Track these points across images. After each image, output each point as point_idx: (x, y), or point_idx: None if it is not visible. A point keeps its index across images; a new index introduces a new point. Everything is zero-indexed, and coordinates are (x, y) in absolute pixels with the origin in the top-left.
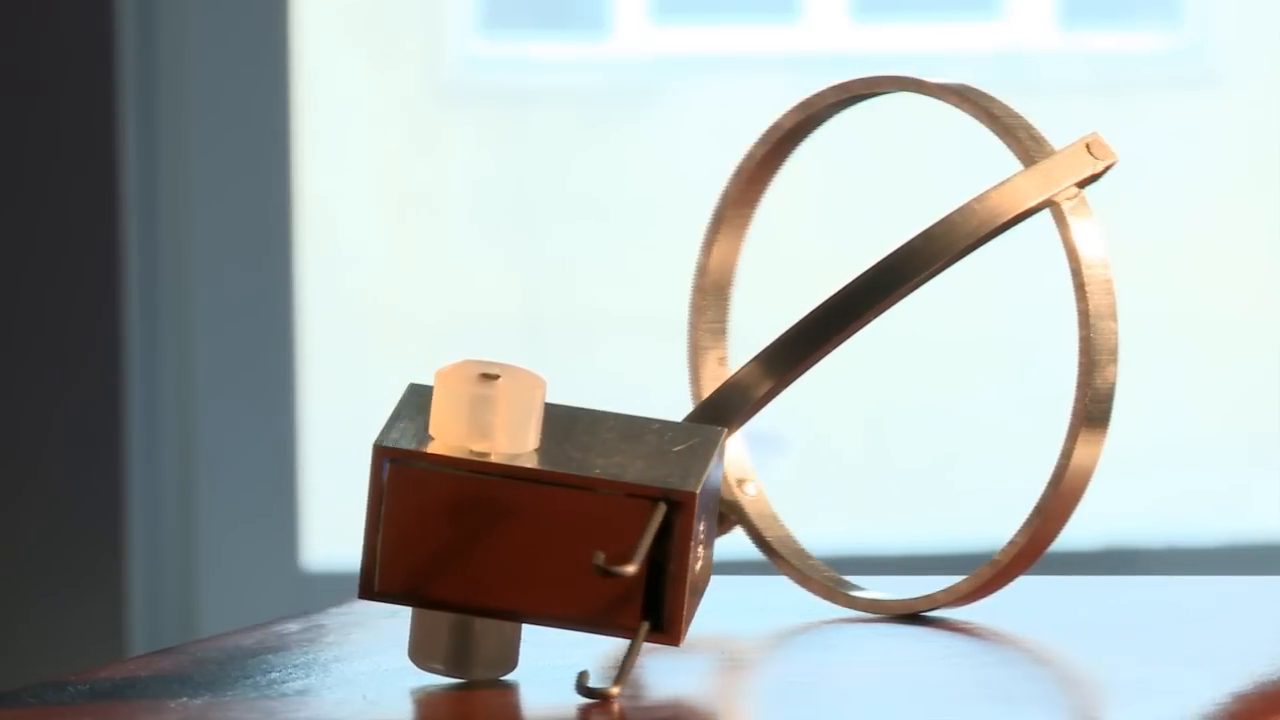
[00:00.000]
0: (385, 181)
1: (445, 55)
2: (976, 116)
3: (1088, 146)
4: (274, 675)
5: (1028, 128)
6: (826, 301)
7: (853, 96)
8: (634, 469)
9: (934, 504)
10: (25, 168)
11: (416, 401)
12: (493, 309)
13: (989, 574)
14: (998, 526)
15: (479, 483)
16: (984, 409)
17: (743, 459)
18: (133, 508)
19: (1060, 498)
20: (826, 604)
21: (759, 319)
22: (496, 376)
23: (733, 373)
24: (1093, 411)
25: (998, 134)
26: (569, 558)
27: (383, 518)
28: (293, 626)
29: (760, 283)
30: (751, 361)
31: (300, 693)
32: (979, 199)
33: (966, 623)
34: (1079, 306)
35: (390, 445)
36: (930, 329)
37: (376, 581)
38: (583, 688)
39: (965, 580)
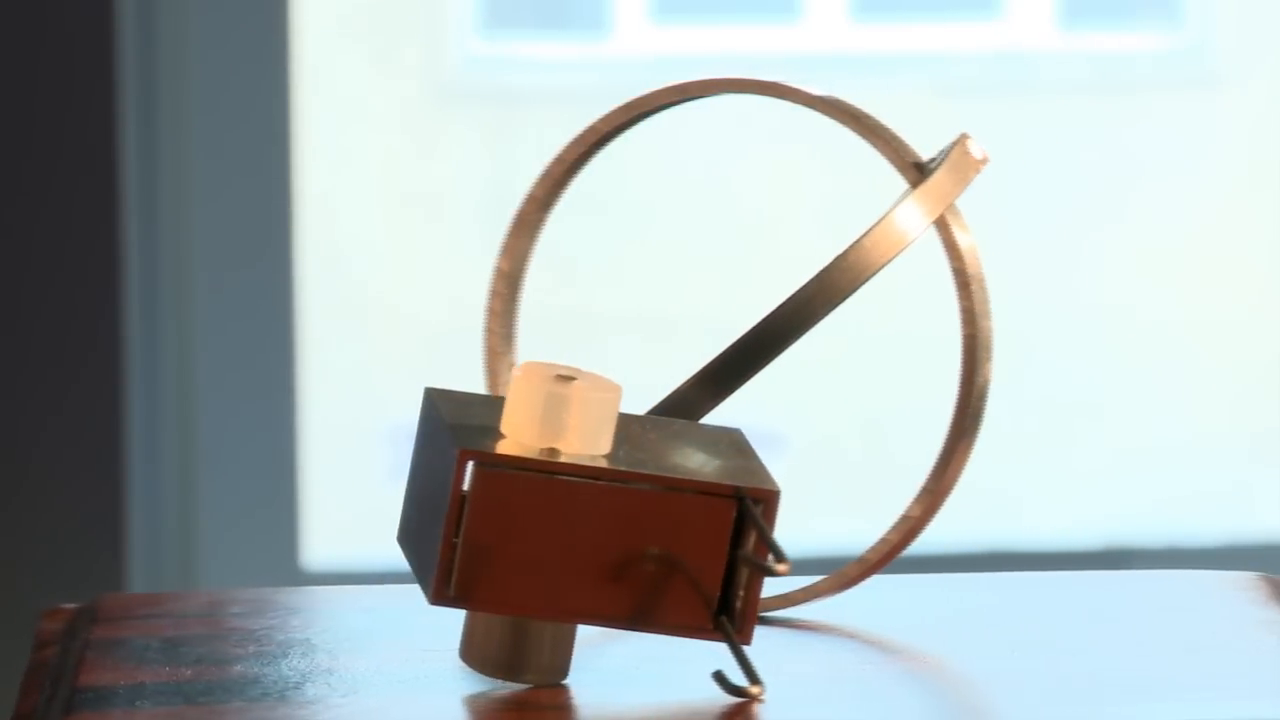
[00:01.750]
0: (385, 181)
1: (445, 55)
2: (842, 121)
3: (965, 153)
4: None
5: (891, 131)
6: (761, 324)
7: (686, 98)
8: (708, 469)
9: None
10: (26, 168)
11: (449, 407)
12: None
13: (856, 572)
14: (997, 526)
15: (565, 485)
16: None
17: None
18: (133, 508)
19: (937, 494)
20: None
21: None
22: (573, 378)
23: (675, 388)
24: (976, 409)
25: (864, 136)
26: (646, 559)
27: (465, 521)
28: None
29: (760, 282)
30: (694, 378)
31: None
32: (885, 224)
33: (817, 622)
34: (963, 305)
35: (475, 448)
36: (930, 329)
37: (453, 586)
38: (731, 687)
39: (826, 579)
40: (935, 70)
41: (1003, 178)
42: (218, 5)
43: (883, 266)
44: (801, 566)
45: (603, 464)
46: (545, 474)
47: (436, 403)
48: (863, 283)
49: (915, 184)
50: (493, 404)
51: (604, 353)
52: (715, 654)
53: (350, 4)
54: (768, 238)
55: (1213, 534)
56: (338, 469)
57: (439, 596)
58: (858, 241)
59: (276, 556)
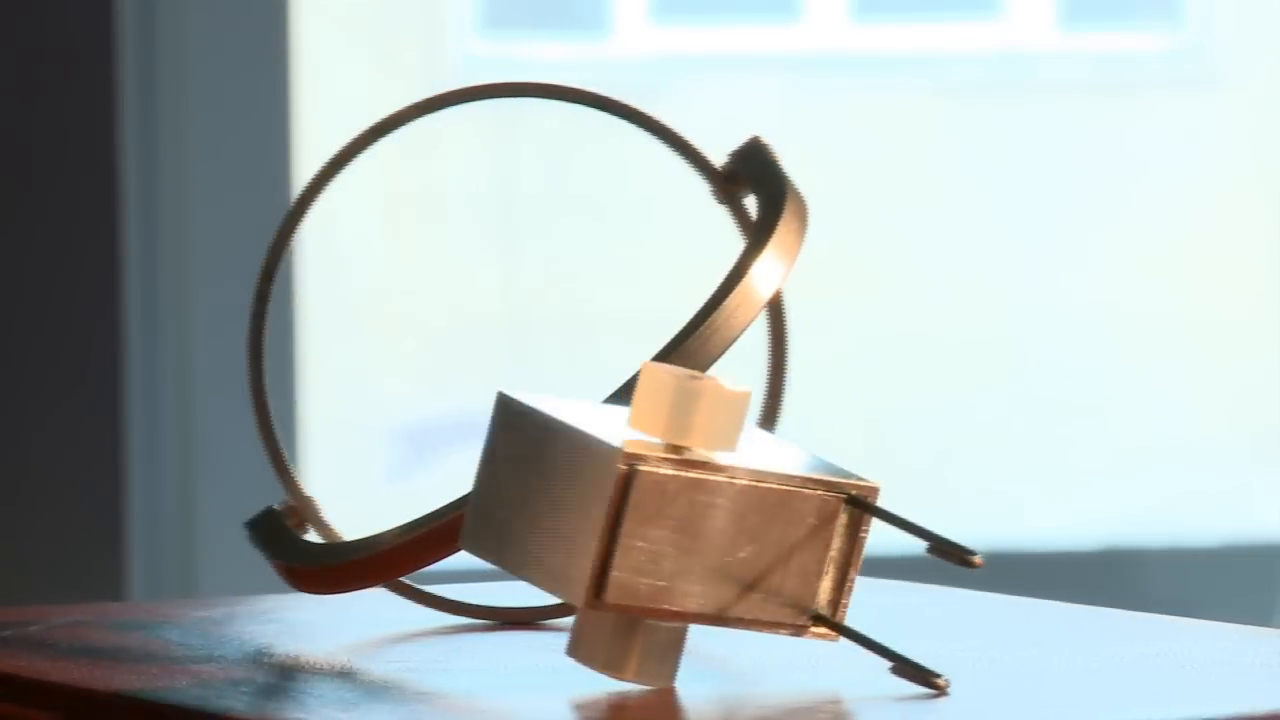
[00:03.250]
0: (385, 181)
1: (445, 55)
2: (653, 133)
3: (798, 201)
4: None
5: (694, 148)
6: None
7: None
8: (808, 468)
9: (933, 504)
10: (26, 168)
11: (547, 408)
12: (491, 308)
13: None
14: (998, 526)
15: (717, 485)
16: (983, 409)
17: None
18: (133, 508)
19: None
20: (442, 613)
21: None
22: (703, 378)
23: None
24: (777, 412)
25: (673, 149)
26: (773, 559)
27: (622, 525)
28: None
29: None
30: None
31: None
32: (743, 291)
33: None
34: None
35: (637, 451)
36: (929, 330)
37: (607, 590)
38: (919, 675)
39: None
40: (935, 70)
41: (1003, 178)
42: (218, 5)
43: (743, 331)
44: None
45: (748, 464)
46: (706, 474)
47: (526, 404)
48: (725, 350)
49: (725, 196)
50: (589, 406)
51: (604, 353)
52: (811, 651)
53: (350, 4)
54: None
55: (1213, 534)
56: (338, 469)
57: (593, 601)
58: (716, 310)
59: None
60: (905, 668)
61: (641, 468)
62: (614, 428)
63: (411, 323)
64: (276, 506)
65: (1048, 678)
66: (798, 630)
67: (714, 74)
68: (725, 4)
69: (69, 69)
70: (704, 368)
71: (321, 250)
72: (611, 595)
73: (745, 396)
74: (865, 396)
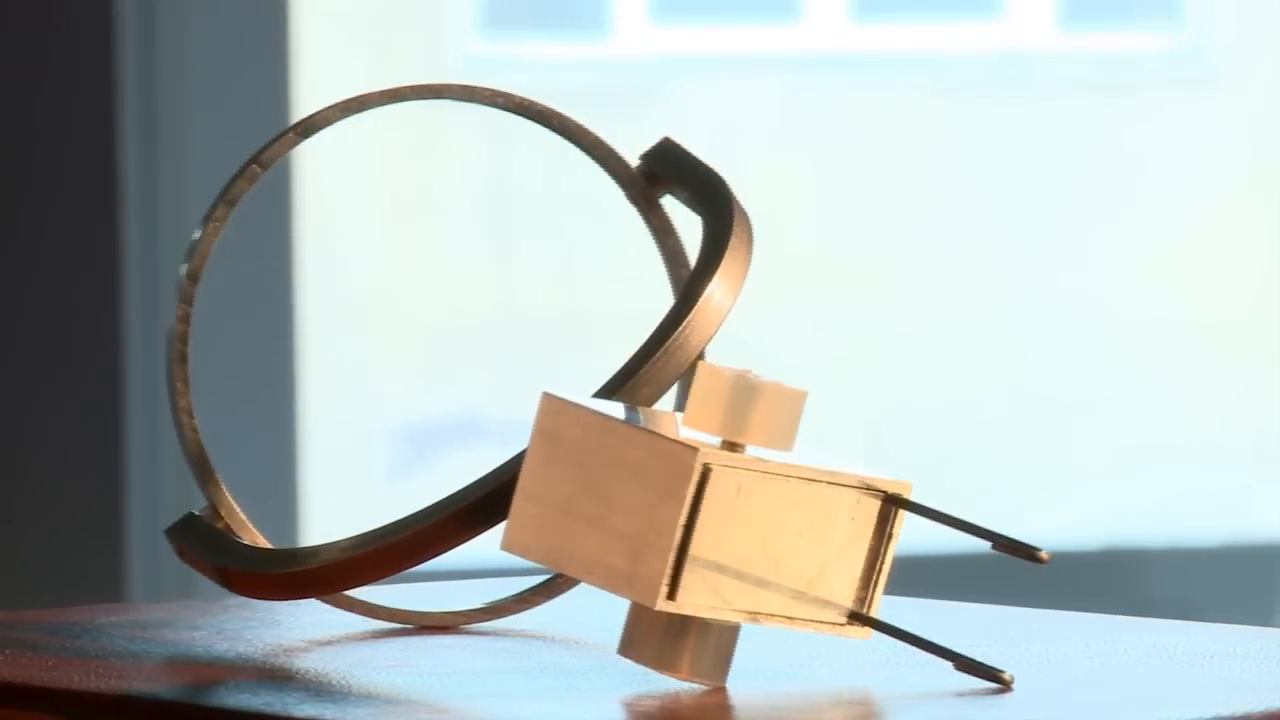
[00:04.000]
0: (385, 181)
1: (445, 55)
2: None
3: (745, 223)
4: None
5: (595, 137)
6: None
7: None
8: (848, 466)
9: (933, 504)
10: (26, 168)
11: (602, 409)
12: (491, 308)
13: (565, 584)
14: (997, 526)
15: (782, 484)
16: (983, 409)
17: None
18: (133, 508)
19: None
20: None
21: (759, 319)
22: (760, 376)
23: (427, 524)
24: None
25: (571, 141)
26: (823, 558)
27: (696, 524)
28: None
29: (759, 283)
30: (450, 516)
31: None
32: (700, 314)
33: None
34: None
35: (710, 450)
36: (929, 330)
37: (679, 591)
38: (985, 671)
39: (538, 588)
40: (935, 70)
41: (1003, 178)
42: (218, 5)
43: (699, 353)
44: None
45: (808, 462)
46: (771, 473)
47: (579, 405)
48: (681, 373)
49: (644, 198)
50: (626, 407)
51: (603, 353)
52: (844, 650)
53: (350, 4)
54: (767, 238)
55: (1213, 534)
56: (338, 469)
57: (666, 601)
58: (676, 336)
59: None
60: (970, 665)
61: (715, 466)
62: (672, 427)
63: (412, 323)
64: (197, 512)
65: (1100, 677)
66: (838, 629)
67: (714, 74)
68: (725, 4)
69: (69, 69)
70: (663, 391)
71: (322, 250)
72: (683, 595)
73: (802, 395)
74: (865, 397)
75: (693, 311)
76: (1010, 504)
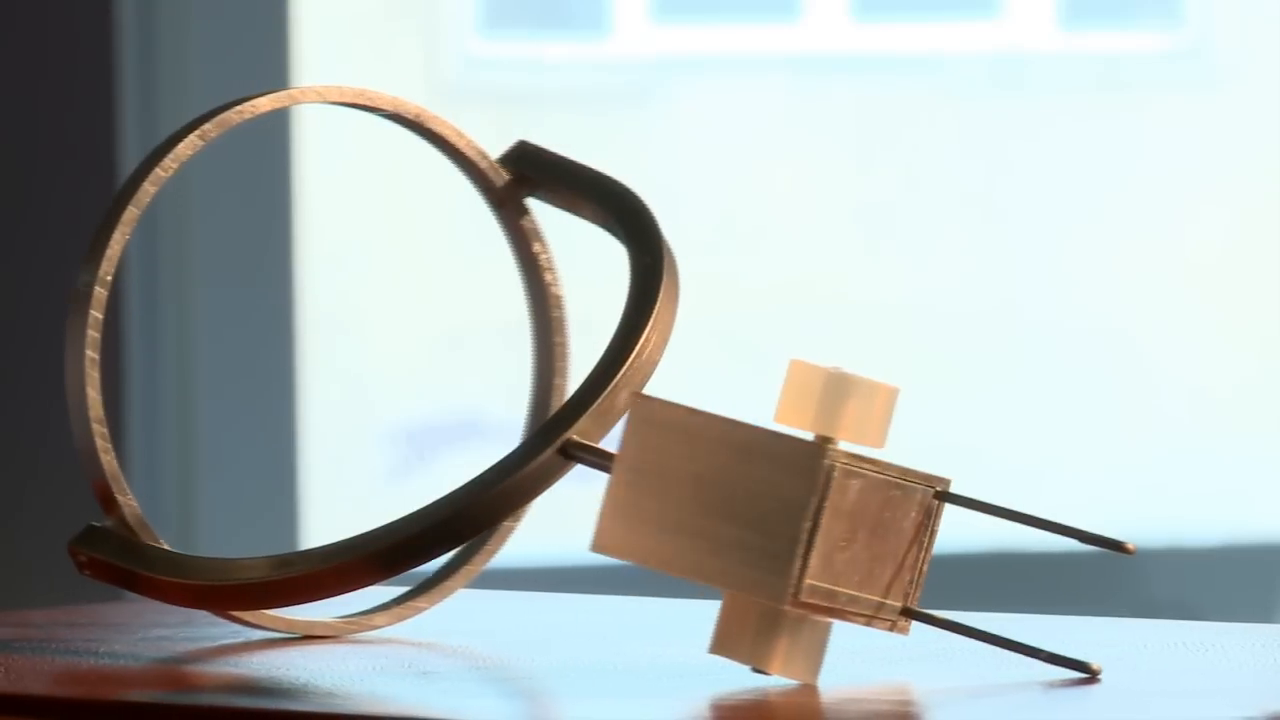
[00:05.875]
0: (385, 182)
1: (445, 55)
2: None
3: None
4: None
5: (477, 146)
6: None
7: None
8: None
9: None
10: (25, 168)
11: (702, 411)
12: (491, 310)
13: (454, 585)
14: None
15: (885, 484)
16: (980, 410)
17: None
18: None
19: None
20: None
21: (758, 319)
22: (851, 372)
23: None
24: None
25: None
26: (896, 554)
27: (820, 523)
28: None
29: (759, 283)
30: (362, 559)
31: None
32: (639, 357)
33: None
34: (557, 315)
35: (832, 448)
36: (927, 330)
37: (803, 590)
38: (1075, 663)
39: (424, 596)
40: (935, 70)
41: (1003, 178)
42: (218, 5)
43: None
44: None
45: (888, 461)
46: (875, 471)
47: (680, 406)
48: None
49: (511, 201)
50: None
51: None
52: (889, 645)
53: (350, 4)
54: (768, 238)
55: (1213, 534)
56: (338, 469)
57: (795, 602)
58: (618, 373)
59: None
60: (1056, 657)
61: (839, 464)
62: (767, 425)
63: (413, 323)
64: (98, 524)
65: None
66: (892, 624)
67: (714, 74)
68: (725, 4)
69: (69, 70)
70: (609, 428)
71: (323, 251)
72: (806, 594)
73: (895, 391)
74: None
75: (626, 364)
76: (1010, 504)
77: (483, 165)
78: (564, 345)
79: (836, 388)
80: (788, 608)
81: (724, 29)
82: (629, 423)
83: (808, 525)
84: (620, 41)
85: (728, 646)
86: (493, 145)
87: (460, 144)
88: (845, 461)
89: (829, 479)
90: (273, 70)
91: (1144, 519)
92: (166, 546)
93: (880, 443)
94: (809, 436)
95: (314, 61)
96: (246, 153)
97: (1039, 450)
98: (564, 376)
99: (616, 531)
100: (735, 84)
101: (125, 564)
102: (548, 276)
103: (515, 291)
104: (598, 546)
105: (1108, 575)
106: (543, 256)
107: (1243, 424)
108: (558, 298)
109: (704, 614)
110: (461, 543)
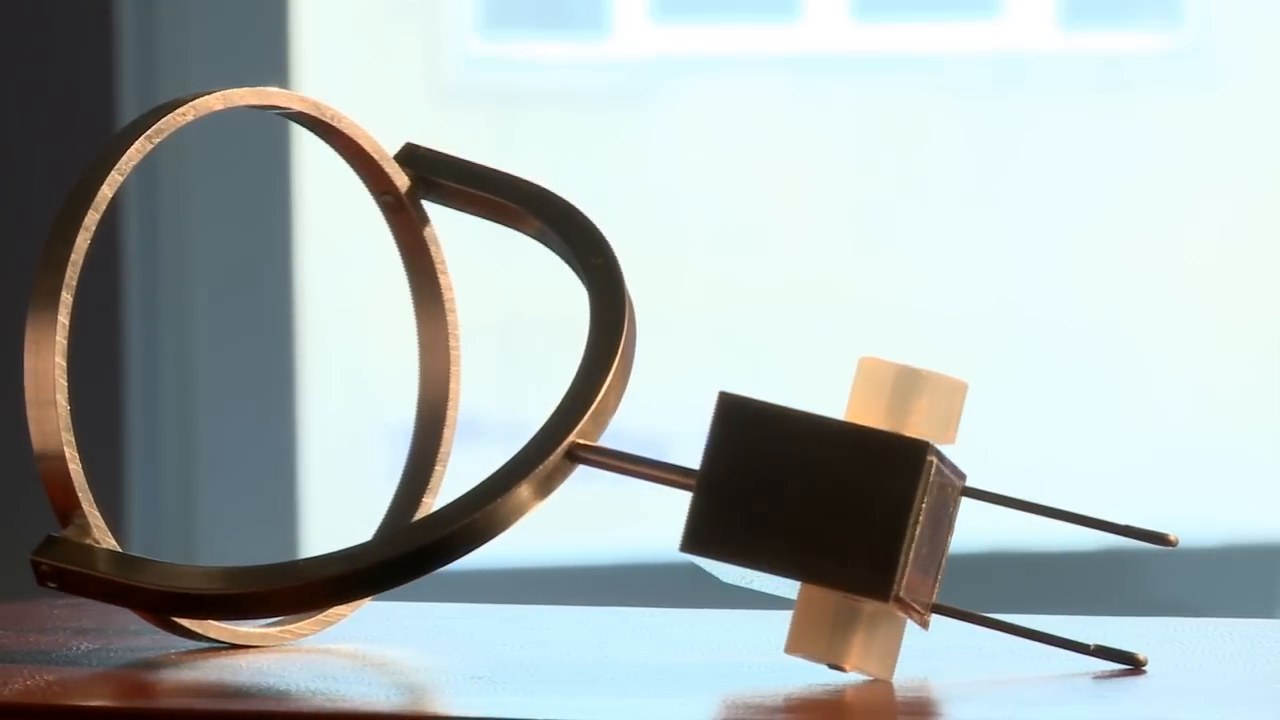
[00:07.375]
0: None
1: (445, 55)
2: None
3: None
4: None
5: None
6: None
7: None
8: None
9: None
10: (25, 168)
11: (790, 410)
12: (491, 310)
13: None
14: (996, 526)
15: (949, 482)
16: (980, 410)
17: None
18: (133, 508)
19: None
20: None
21: (757, 319)
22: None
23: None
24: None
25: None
26: (942, 551)
27: (920, 519)
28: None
29: (759, 283)
30: (345, 579)
31: None
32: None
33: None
34: (452, 319)
35: (935, 449)
36: (927, 330)
37: (903, 586)
38: (1121, 656)
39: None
40: (935, 70)
41: (1003, 178)
42: (218, 5)
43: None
44: None
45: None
46: (947, 470)
47: (769, 403)
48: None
49: (411, 204)
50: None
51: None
52: (923, 639)
53: (350, 4)
54: (768, 238)
55: (1213, 534)
56: (338, 469)
57: (898, 601)
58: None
59: (276, 557)
60: (1102, 650)
61: (934, 461)
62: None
63: (412, 323)
64: (58, 534)
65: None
66: (921, 620)
67: (714, 74)
68: (725, 4)
69: (69, 70)
70: (549, 491)
71: (323, 251)
72: (904, 591)
73: (964, 386)
74: None
75: (614, 363)
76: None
77: (385, 166)
78: (457, 350)
79: (908, 383)
80: (884, 604)
81: (724, 29)
82: (716, 422)
83: (915, 524)
84: (620, 41)
85: (804, 645)
86: (493, 145)
87: (363, 141)
88: (934, 459)
89: (929, 478)
90: (273, 70)
91: (1144, 519)
92: (123, 551)
93: (951, 438)
94: None
95: (314, 61)
96: (247, 152)
97: (1038, 450)
98: (457, 381)
99: (707, 536)
100: (735, 84)
101: (84, 570)
102: (443, 280)
103: (515, 291)
104: (685, 547)
105: (1106, 575)
106: (440, 261)
107: (1242, 424)
108: (452, 301)
109: (689, 621)
110: (455, 559)
